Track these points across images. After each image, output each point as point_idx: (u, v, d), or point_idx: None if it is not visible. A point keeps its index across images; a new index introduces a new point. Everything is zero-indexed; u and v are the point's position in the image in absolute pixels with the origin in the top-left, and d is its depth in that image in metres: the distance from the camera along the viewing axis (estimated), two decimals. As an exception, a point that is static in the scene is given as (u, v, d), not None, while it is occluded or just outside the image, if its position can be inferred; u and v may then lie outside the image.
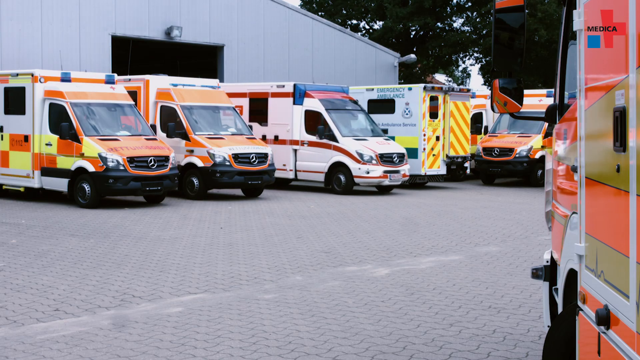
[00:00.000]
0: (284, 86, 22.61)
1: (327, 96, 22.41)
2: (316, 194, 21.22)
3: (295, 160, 22.25)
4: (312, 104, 21.97)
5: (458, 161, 24.00)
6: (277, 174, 21.51)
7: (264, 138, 22.19)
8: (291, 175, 22.41)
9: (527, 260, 11.14)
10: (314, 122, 21.82)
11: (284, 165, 22.19)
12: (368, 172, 20.81)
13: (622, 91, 3.30)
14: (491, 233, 13.93)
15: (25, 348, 6.57)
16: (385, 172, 21.01)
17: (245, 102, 23.22)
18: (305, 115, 22.04)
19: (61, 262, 10.63)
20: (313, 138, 21.77)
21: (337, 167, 21.32)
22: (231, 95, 22.44)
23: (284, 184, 23.55)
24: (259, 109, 22.94)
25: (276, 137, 22.50)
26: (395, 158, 21.35)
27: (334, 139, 21.32)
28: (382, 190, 22.01)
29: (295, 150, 22.20)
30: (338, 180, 21.39)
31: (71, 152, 17.53)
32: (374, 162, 20.86)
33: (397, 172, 21.30)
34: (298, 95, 22.18)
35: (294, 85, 22.37)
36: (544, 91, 25.05)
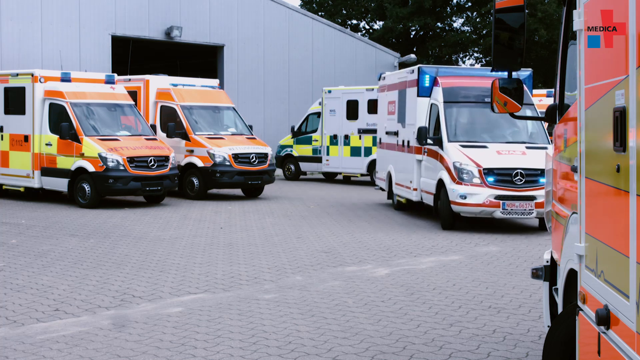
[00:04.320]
0: (413, 72, 16.41)
1: (459, 83, 15.69)
2: (316, 195, 21.22)
3: (420, 175, 15.79)
4: (436, 95, 15.46)
5: None
6: (403, 193, 16.62)
7: (403, 144, 16.68)
8: (415, 196, 15.91)
9: (527, 260, 11.14)
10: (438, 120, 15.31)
11: (411, 182, 16.09)
12: (464, 197, 13.79)
13: (622, 91, 3.30)
14: (491, 233, 13.92)
15: (25, 348, 6.57)
16: (498, 197, 13.63)
17: (395, 97, 17.65)
18: (430, 111, 15.64)
19: (61, 262, 10.63)
20: (429, 144, 15.14)
21: (440, 188, 14.55)
22: (392, 87, 17.95)
23: (411, 206, 17.20)
24: (401, 105, 17.15)
25: (407, 143, 16.42)
26: (518, 177, 13.68)
27: (441, 145, 14.65)
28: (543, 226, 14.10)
29: (420, 161, 15.81)
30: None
31: (71, 152, 17.54)
32: (475, 180, 13.77)
33: (520, 198, 13.63)
34: (424, 84, 15.92)
35: (419, 69, 16.06)
36: (544, 91, 25.00)
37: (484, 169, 13.80)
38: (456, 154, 14.23)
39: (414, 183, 15.89)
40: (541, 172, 13.56)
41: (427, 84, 15.87)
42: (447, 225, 14.39)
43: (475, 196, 13.74)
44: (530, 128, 15.31)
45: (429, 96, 15.69)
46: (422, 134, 14.86)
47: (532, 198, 13.65)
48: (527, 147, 14.46)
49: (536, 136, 15.08)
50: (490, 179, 13.78)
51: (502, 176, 13.80)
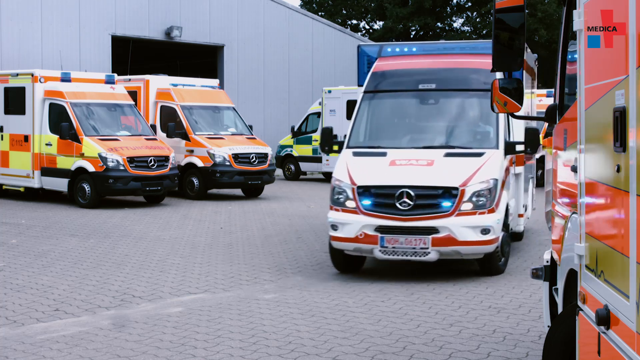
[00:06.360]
0: None
1: (396, 65, 11.45)
2: (316, 195, 21.22)
3: None
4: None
5: None
6: None
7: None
8: None
9: (527, 260, 11.14)
10: None
11: None
12: (335, 228, 9.47)
13: (622, 91, 3.30)
14: (491, 233, 13.90)
15: (25, 348, 6.57)
16: (378, 229, 9.25)
17: None
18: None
19: (61, 262, 10.63)
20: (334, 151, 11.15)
21: None
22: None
23: None
24: None
25: None
26: (403, 200, 9.20)
27: None
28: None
29: None
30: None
31: (71, 152, 17.54)
32: (349, 204, 9.46)
33: (407, 231, 9.19)
34: (364, 69, 11.95)
35: (358, 47, 12.41)
36: (544, 91, 25.00)
37: (358, 188, 9.40)
38: (339, 165, 9.97)
39: None
40: (446, 192, 9.20)
41: (368, 67, 11.70)
42: (337, 264, 9.96)
43: (347, 227, 9.35)
44: (481, 127, 10.50)
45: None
46: (323, 137, 10.73)
47: (428, 231, 9.13)
48: (447, 155, 9.78)
49: (481, 138, 10.26)
50: (367, 201, 9.35)
51: (383, 198, 9.30)
